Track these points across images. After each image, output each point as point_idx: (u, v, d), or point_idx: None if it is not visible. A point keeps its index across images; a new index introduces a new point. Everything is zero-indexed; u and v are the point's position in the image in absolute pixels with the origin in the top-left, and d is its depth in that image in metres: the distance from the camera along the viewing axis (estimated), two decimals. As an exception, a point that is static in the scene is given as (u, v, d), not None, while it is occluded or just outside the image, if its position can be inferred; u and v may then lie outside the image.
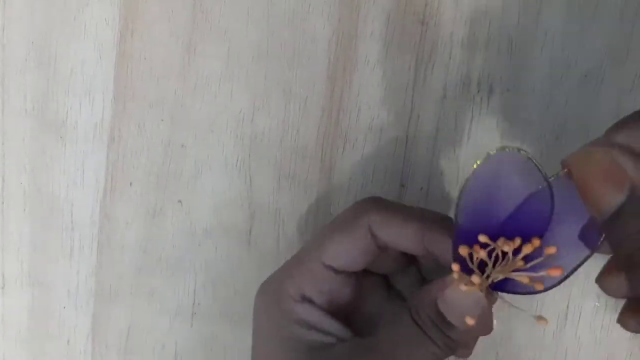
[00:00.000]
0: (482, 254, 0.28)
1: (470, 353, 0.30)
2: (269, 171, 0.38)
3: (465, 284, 0.28)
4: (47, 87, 0.38)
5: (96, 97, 0.38)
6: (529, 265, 0.28)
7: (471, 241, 0.28)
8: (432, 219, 0.31)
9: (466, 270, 0.28)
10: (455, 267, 0.28)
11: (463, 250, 0.28)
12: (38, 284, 0.40)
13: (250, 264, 0.39)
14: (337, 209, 0.38)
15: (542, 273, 0.27)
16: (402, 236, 0.30)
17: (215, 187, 0.38)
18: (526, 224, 0.28)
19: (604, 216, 0.25)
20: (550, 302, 0.36)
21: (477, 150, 0.37)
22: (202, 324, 0.39)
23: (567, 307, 0.36)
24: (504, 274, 0.28)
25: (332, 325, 0.31)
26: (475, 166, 0.29)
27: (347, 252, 0.31)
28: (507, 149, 0.29)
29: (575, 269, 0.28)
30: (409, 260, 0.34)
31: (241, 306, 0.39)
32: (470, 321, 0.28)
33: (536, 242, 0.28)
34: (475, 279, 0.28)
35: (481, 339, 0.31)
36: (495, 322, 0.29)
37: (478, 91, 0.36)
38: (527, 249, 0.28)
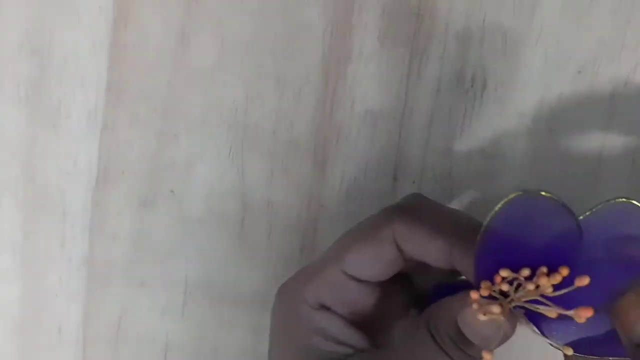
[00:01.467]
0: (504, 286, 0.26)
1: None
2: (261, 162, 0.38)
3: (484, 313, 0.26)
4: (40, 75, 0.38)
5: (89, 86, 0.38)
6: (557, 293, 0.26)
7: (493, 273, 0.26)
8: (461, 233, 0.28)
9: (488, 296, 0.26)
10: (474, 295, 0.26)
11: (484, 291, 0.26)
12: (29, 272, 0.40)
13: (242, 255, 0.39)
14: (329, 201, 0.38)
15: (571, 312, 0.25)
16: (426, 252, 0.29)
17: (208, 178, 0.38)
18: (552, 260, 0.27)
19: (632, 341, 0.25)
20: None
21: (470, 144, 0.37)
22: (193, 314, 0.39)
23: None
24: (528, 297, 0.26)
25: (352, 337, 0.30)
26: (497, 208, 0.27)
27: (371, 264, 0.29)
28: (529, 193, 0.27)
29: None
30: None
31: (232, 297, 0.39)
32: (490, 349, 0.26)
33: (564, 270, 0.26)
34: (496, 309, 0.25)
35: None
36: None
37: (472, 85, 0.36)
38: (554, 278, 0.26)
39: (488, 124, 0.36)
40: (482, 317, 0.26)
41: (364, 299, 0.30)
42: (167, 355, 0.40)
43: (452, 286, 0.30)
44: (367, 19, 0.36)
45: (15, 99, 0.39)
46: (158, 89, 0.38)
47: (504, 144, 0.37)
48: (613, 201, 0.28)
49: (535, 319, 0.27)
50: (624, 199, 0.28)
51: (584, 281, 0.25)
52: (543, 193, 0.27)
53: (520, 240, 0.27)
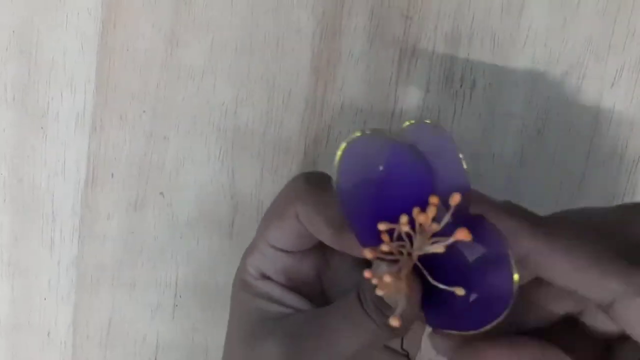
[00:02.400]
0: (386, 247, 0.26)
1: (406, 332, 0.29)
2: (251, 164, 0.38)
3: (382, 288, 0.26)
4: (28, 77, 0.38)
5: (78, 87, 0.38)
6: (442, 223, 0.25)
7: (374, 232, 0.26)
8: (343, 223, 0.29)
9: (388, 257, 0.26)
10: (367, 274, 0.26)
11: (370, 254, 0.26)
12: (18, 275, 0.40)
13: (232, 256, 0.38)
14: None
15: (453, 238, 0.25)
16: (320, 235, 0.30)
17: (198, 179, 0.38)
18: (415, 193, 0.26)
19: None
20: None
21: (459, 145, 0.37)
22: (183, 316, 0.39)
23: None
24: (425, 246, 0.25)
25: (293, 299, 0.32)
26: (337, 158, 0.27)
27: (285, 236, 0.31)
28: (350, 138, 0.27)
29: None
30: None
31: (223, 298, 0.39)
32: (395, 322, 0.26)
33: (434, 199, 0.25)
34: (387, 278, 0.25)
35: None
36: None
37: (461, 86, 0.36)
38: (429, 213, 0.25)
39: (477, 124, 0.37)
40: (379, 293, 0.26)
41: (298, 267, 0.32)
42: (157, 357, 0.40)
43: None
44: (357, 20, 0.36)
45: (3, 101, 0.38)
46: (147, 90, 0.38)
47: (493, 144, 0.37)
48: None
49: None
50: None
51: (456, 199, 0.25)
52: (368, 132, 0.27)
53: (376, 191, 0.27)
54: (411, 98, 0.37)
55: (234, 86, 0.37)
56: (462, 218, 0.26)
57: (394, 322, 0.26)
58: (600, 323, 0.29)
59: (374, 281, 0.26)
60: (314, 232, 0.30)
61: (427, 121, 0.28)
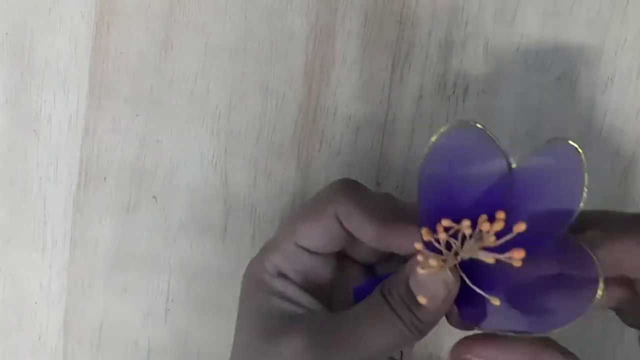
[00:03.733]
0: (443, 236, 0.27)
1: (431, 328, 0.30)
2: (245, 168, 0.38)
3: (423, 267, 0.27)
4: (21, 79, 0.38)
5: (71, 90, 0.38)
6: (499, 242, 0.26)
7: (435, 221, 0.27)
8: (394, 217, 0.30)
9: (434, 250, 0.27)
10: (418, 246, 0.27)
11: (426, 236, 0.27)
12: (10, 278, 0.40)
13: (225, 261, 0.39)
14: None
15: (506, 255, 0.26)
16: (363, 233, 0.31)
17: (191, 183, 0.38)
18: (490, 203, 0.27)
19: None
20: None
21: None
22: (175, 321, 0.39)
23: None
24: (473, 252, 0.27)
25: (308, 300, 0.32)
26: (433, 140, 0.28)
27: (317, 235, 0.32)
28: (460, 123, 0.28)
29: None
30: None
31: (215, 302, 0.39)
32: (432, 300, 0.27)
33: (500, 215, 0.26)
34: (433, 261, 0.27)
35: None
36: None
37: (454, 91, 0.37)
38: (494, 226, 0.26)
39: (469, 130, 0.37)
40: (420, 271, 0.27)
41: (317, 269, 0.33)
42: (149, 361, 0.40)
43: (372, 282, 0.31)
44: (350, 25, 0.36)
45: (-5, 104, 0.38)
46: (140, 94, 0.38)
47: (485, 150, 0.37)
48: (550, 143, 0.28)
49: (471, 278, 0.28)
50: (560, 139, 0.28)
51: (521, 227, 0.26)
52: (473, 123, 0.28)
53: (456, 180, 0.28)
54: (404, 103, 0.37)
55: (228, 90, 0.37)
56: (559, 239, 0.27)
57: (422, 300, 0.27)
58: None
59: (419, 257, 0.27)
60: (354, 228, 0.31)
61: (564, 141, 0.28)
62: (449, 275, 0.27)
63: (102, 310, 0.39)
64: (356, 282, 0.33)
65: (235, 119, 0.38)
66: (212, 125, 0.38)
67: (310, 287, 0.32)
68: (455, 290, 0.28)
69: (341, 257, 0.34)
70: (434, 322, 0.29)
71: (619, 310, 0.32)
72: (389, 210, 0.31)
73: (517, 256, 0.25)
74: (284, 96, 0.37)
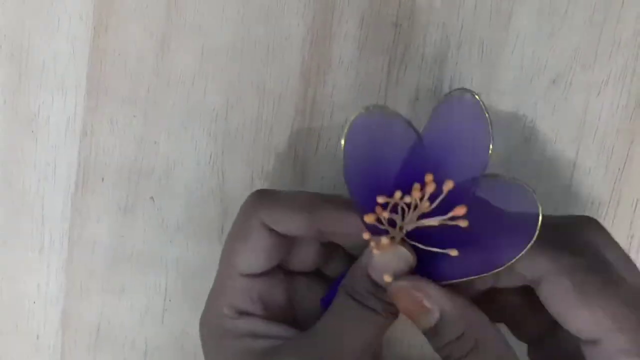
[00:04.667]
0: (385, 214, 0.28)
1: (397, 316, 0.30)
2: (241, 169, 0.38)
3: (378, 249, 0.28)
4: (18, 81, 0.38)
5: (68, 92, 0.38)
6: (434, 205, 0.27)
7: (371, 204, 0.28)
8: (318, 201, 0.31)
9: (379, 232, 0.28)
10: (365, 235, 0.28)
11: (369, 219, 0.27)
12: (7, 279, 0.40)
13: (222, 261, 0.39)
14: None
15: (450, 214, 0.27)
16: (293, 224, 0.31)
17: (188, 184, 0.38)
18: (412, 171, 0.28)
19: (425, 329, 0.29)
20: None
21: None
22: (172, 321, 0.39)
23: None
24: (415, 222, 0.28)
25: (277, 329, 0.31)
26: (346, 130, 0.29)
27: (254, 254, 0.31)
28: (366, 109, 0.29)
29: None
30: (332, 247, 0.34)
31: (212, 303, 0.39)
32: (389, 278, 0.28)
33: (429, 177, 0.27)
34: (384, 241, 0.28)
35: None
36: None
37: (450, 93, 0.37)
38: (427, 190, 0.27)
39: (465, 132, 0.37)
40: (376, 252, 0.28)
41: (271, 290, 0.32)
42: (146, 361, 0.40)
43: (333, 288, 0.32)
44: (347, 27, 0.37)
45: (-7, 105, 0.38)
46: (138, 95, 0.38)
47: (481, 151, 0.37)
48: (450, 94, 0.29)
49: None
50: (459, 90, 0.29)
51: (449, 185, 0.27)
52: (375, 106, 0.29)
53: (376, 163, 0.29)
54: (400, 105, 0.37)
55: (225, 91, 0.38)
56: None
57: (388, 278, 0.28)
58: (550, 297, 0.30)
59: (372, 244, 0.27)
60: (284, 227, 0.31)
61: (461, 91, 0.29)
62: (403, 250, 0.28)
63: (99, 310, 0.40)
64: (309, 292, 0.33)
65: (232, 120, 0.38)
66: (209, 126, 0.38)
67: (271, 313, 0.32)
68: (413, 260, 0.29)
69: (285, 273, 0.33)
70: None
71: (510, 322, 0.33)
72: (313, 198, 0.31)
73: (459, 213, 0.27)
74: (281, 97, 0.37)
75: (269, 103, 0.37)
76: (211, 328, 0.32)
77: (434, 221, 0.27)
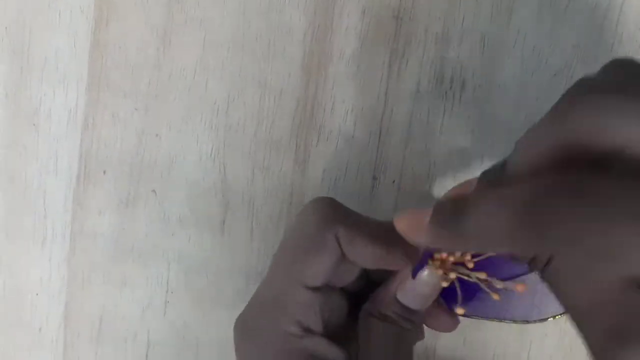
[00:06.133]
0: (442, 255, 0.31)
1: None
2: (243, 162, 0.38)
3: (435, 260, 0.31)
4: (20, 75, 0.38)
5: (70, 85, 0.38)
6: (475, 260, 0.31)
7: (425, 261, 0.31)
8: (393, 240, 0.30)
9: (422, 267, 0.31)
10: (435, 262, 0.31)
11: (435, 263, 0.31)
12: (10, 271, 0.40)
13: (224, 254, 0.39)
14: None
15: (509, 282, 0.30)
16: (365, 257, 0.30)
17: (189, 177, 0.38)
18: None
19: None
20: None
21: (449, 145, 0.37)
22: (174, 313, 0.40)
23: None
24: (457, 270, 0.31)
25: (336, 352, 0.31)
26: None
27: (324, 269, 0.30)
28: None
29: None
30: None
31: (214, 295, 0.39)
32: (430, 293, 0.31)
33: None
34: (436, 263, 0.31)
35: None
36: None
37: (451, 87, 0.37)
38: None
39: (466, 125, 0.37)
40: (425, 273, 0.31)
41: (325, 307, 0.31)
42: (148, 354, 0.40)
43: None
44: (348, 21, 0.37)
45: (-5, 98, 0.38)
46: (139, 88, 0.38)
47: (482, 145, 0.37)
48: None
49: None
50: None
51: (521, 287, 0.31)
52: None
53: None
54: (401, 98, 0.37)
55: (226, 85, 0.38)
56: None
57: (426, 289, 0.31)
58: None
59: (433, 261, 0.31)
60: (355, 252, 0.30)
61: None
62: (434, 274, 0.31)
63: (101, 303, 0.40)
64: (339, 307, 0.33)
65: (233, 113, 0.38)
66: (210, 120, 0.38)
67: (329, 333, 0.31)
68: (439, 287, 0.31)
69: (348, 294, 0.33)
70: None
71: None
72: (382, 230, 0.31)
73: (520, 289, 0.30)
74: (282, 91, 0.37)
75: (270, 97, 0.37)
76: (263, 340, 0.31)
77: (500, 284, 0.31)
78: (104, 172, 0.39)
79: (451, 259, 0.31)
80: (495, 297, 0.31)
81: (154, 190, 0.39)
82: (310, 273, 0.30)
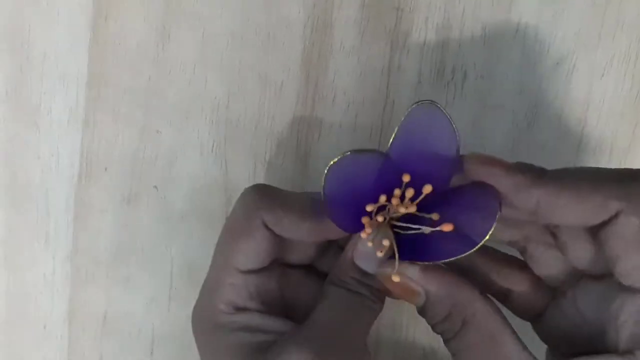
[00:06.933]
0: (369, 207, 0.30)
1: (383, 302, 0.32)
2: (244, 157, 0.38)
3: (373, 232, 0.30)
4: (20, 72, 0.38)
5: (70, 82, 0.38)
6: (415, 202, 0.30)
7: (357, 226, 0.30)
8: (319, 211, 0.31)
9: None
10: (363, 234, 0.30)
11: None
12: (14, 269, 0.40)
13: (226, 249, 0.39)
14: (312, 194, 0.38)
15: (438, 228, 0.29)
16: (296, 233, 0.31)
17: (191, 173, 0.38)
18: (391, 183, 0.30)
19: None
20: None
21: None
22: (178, 309, 0.40)
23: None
24: (400, 213, 0.30)
25: (274, 323, 0.31)
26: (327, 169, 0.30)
27: (254, 252, 0.31)
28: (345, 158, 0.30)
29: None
30: (328, 242, 0.34)
31: (217, 291, 0.39)
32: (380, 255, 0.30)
33: (406, 177, 0.29)
34: (379, 217, 0.30)
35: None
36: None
37: (452, 77, 0.37)
38: (408, 193, 0.29)
39: (468, 116, 0.37)
40: (363, 235, 0.30)
41: (266, 286, 0.32)
42: (153, 349, 0.40)
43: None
44: (348, 13, 0.36)
45: (-4, 96, 0.38)
46: (139, 84, 0.38)
47: (484, 136, 0.37)
48: (412, 107, 0.30)
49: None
50: (420, 102, 0.30)
51: (428, 189, 0.29)
52: (349, 153, 0.30)
53: (356, 188, 0.30)
54: (403, 90, 0.37)
55: (226, 80, 0.37)
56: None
57: (380, 253, 0.30)
58: (544, 265, 0.32)
59: (363, 235, 0.30)
60: (286, 231, 0.31)
61: (423, 102, 0.31)
62: (386, 230, 0.30)
63: (105, 299, 0.40)
64: (303, 286, 0.33)
65: (234, 108, 0.38)
66: (211, 115, 0.38)
67: (268, 307, 0.32)
68: (393, 240, 0.30)
69: (280, 266, 0.33)
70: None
71: (508, 298, 0.33)
72: (311, 203, 0.31)
73: (446, 229, 0.29)
74: (282, 85, 0.37)
75: (270, 91, 0.37)
76: (205, 323, 0.32)
77: (427, 230, 0.29)
78: (106, 169, 0.39)
79: (381, 219, 0.30)
80: (427, 230, 0.29)
81: (155, 187, 0.39)
82: (241, 257, 0.31)
